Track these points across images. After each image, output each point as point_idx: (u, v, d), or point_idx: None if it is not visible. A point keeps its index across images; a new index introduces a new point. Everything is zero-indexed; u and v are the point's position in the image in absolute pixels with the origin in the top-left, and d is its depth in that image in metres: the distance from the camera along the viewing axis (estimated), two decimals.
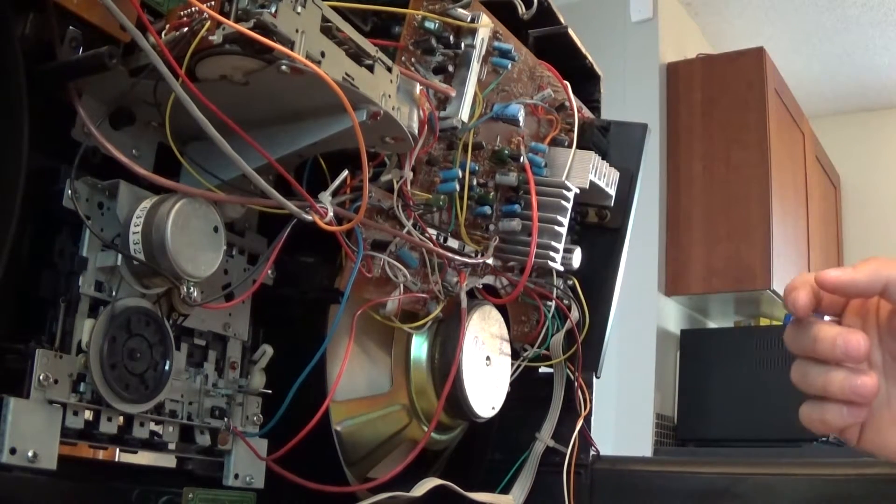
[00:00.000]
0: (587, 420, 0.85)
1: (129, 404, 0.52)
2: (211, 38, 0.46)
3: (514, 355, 0.80)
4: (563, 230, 0.78)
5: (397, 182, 0.64)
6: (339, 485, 0.66)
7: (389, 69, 0.54)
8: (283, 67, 0.46)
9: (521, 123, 0.74)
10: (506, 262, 0.78)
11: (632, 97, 2.68)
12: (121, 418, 0.53)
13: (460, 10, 0.68)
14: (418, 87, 0.58)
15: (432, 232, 0.68)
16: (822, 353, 0.47)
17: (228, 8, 0.46)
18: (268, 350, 0.63)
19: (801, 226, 3.03)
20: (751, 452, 2.22)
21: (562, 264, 0.80)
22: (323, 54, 0.48)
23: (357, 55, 0.51)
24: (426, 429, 0.74)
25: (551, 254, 0.77)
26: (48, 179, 0.50)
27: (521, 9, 0.75)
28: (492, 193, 0.75)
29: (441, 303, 0.70)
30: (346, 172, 0.58)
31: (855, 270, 0.47)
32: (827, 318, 0.50)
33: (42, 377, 0.47)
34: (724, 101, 2.75)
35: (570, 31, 0.87)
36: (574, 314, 0.85)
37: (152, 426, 0.56)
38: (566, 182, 0.78)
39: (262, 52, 0.46)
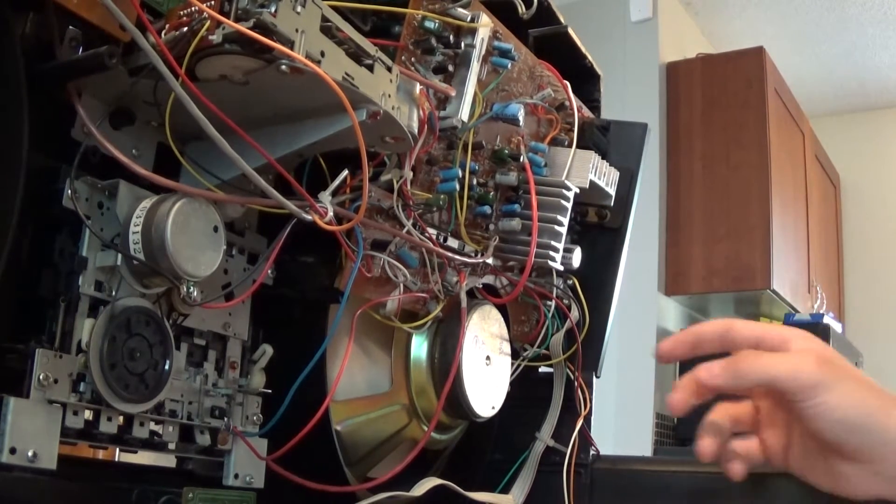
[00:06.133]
0: (587, 420, 0.85)
1: (129, 404, 0.52)
2: (211, 37, 0.46)
3: (514, 355, 0.80)
4: (563, 230, 0.78)
5: (397, 182, 0.63)
6: (339, 485, 0.66)
7: (389, 69, 0.54)
8: (283, 67, 0.46)
9: (520, 123, 0.74)
10: (506, 261, 0.78)
11: (632, 97, 2.68)
12: (121, 418, 0.53)
13: (460, 10, 0.68)
14: (418, 87, 0.58)
15: (432, 232, 0.68)
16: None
17: (228, 8, 0.46)
18: (268, 350, 0.63)
19: (801, 225, 3.03)
20: None
21: (562, 264, 0.80)
22: (323, 54, 0.48)
23: (357, 55, 0.51)
24: (426, 428, 0.74)
25: (551, 253, 0.77)
26: (48, 179, 0.50)
27: (521, 8, 0.75)
28: (492, 193, 0.75)
29: (441, 302, 0.70)
30: (346, 172, 0.58)
31: (734, 371, 0.53)
32: None
33: (42, 377, 0.47)
34: (724, 100, 2.75)
35: (570, 31, 0.87)
36: (574, 314, 0.85)
37: (152, 426, 0.56)
38: (566, 182, 0.78)
39: (261, 52, 0.46)
